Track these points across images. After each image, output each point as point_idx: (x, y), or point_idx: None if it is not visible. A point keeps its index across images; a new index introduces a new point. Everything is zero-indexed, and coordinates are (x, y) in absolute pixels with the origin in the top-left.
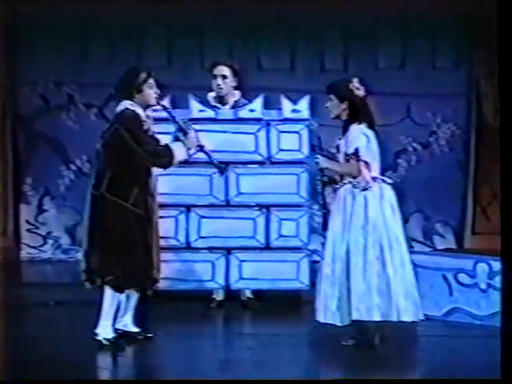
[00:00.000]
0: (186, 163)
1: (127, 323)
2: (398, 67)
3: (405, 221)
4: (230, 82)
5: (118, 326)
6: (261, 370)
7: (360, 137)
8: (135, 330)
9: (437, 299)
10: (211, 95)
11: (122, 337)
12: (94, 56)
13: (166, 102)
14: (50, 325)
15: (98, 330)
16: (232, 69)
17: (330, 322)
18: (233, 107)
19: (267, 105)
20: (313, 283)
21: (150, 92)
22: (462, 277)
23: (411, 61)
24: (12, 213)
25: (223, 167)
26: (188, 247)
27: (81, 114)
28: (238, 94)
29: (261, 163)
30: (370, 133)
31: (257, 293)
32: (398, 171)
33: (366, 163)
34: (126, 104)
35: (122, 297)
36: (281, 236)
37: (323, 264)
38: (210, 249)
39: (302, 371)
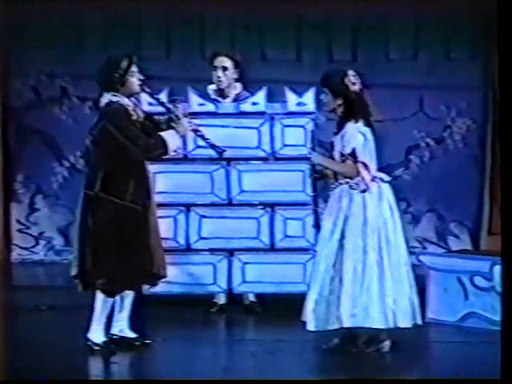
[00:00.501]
0: (185, 160)
1: (123, 328)
2: (410, 58)
3: (417, 220)
4: (231, 73)
5: (114, 331)
6: (264, 377)
7: (357, 136)
8: (132, 335)
9: (451, 303)
10: (211, 88)
11: (118, 343)
12: (88, 46)
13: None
14: (42, 330)
15: (89, 335)
16: (233, 60)
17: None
18: (234, 100)
19: (271, 98)
20: None
21: (133, 80)
22: (478, 280)
23: (424, 51)
24: (2, 212)
25: (221, 149)
26: (188, 249)
27: (75, 107)
28: (239, 86)
29: (264, 159)
30: (367, 130)
31: (260, 297)
32: (409, 168)
33: (365, 164)
34: (109, 97)
35: (117, 298)
36: (286, 236)
37: (314, 264)
38: (212, 250)
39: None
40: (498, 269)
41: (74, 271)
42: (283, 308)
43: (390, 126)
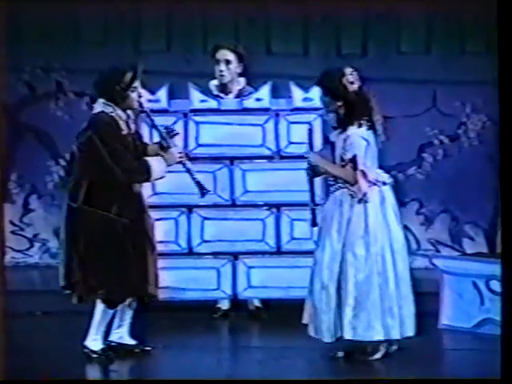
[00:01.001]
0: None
1: (123, 335)
2: (422, 52)
3: (430, 222)
4: (235, 67)
5: (113, 338)
6: None
7: (360, 142)
8: (131, 342)
9: (466, 309)
10: (213, 83)
11: (116, 350)
12: (85, 38)
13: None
14: (37, 337)
15: (87, 342)
16: (236, 53)
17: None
18: (237, 96)
19: (276, 93)
20: None
21: (133, 96)
22: (495, 284)
23: (437, 44)
24: None
25: (206, 190)
26: (190, 253)
27: (71, 103)
28: (243, 81)
29: (269, 158)
30: (370, 134)
31: (266, 302)
32: (422, 166)
33: (364, 173)
34: (102, 105)
35: (118, 308)
36: (293, 239)
37: (315, 273)
38: (215, 254)
39: None
40: None
41: (62, 284)
42: (290, 314)
43: (402, 122)
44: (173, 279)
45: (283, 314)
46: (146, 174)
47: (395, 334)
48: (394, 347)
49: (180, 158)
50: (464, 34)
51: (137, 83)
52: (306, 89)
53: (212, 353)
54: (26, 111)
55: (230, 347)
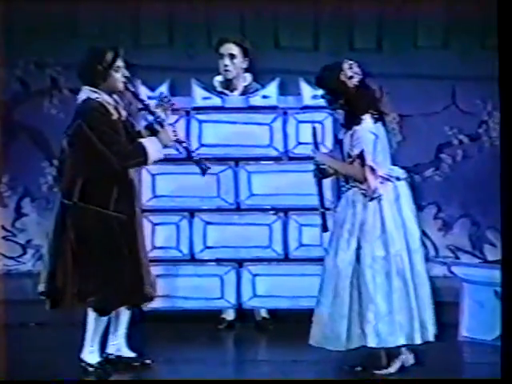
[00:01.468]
0: (188, 160)
1: (120, 347)
2: (440, 46)
3: (449, 227)
4: (240, 62)
5: (111, 350)
6: None
7: (367, 136)
8: (130, 355)
9: (488, 320)
10: (217, 80)
11: (114, 363)
12: (82, 32)
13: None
14: (30, 349)
15: (83, 355)
16: (242, 47)
17: (322, 347)
18: (243, 93)
19: (284, 90)
20: None
21: (117, 76)
22: None
23: (456, 37)
24: None
25: (207, 167)
26: (192, 259)
27: (66, 100)
28: (248, 77)
29: (276, 159)
30: (379, 126)
31: (273, 312)
32: (440, 168)
33: (372, 169)
34: (87, 92)
35: (111, 315)
36: (301, 245)
37: (325, 278)
38: (218, 261)
39: None
40: None
41: (41, 287)
42: (299, 325)
43: (419, 121)
44: (174, 287)
45: (291, 326)
46: (141, 156)
47: (417, 338)
48: (411, 361)
49: (175, 136)
50: (484, 27)
51: (120, 63)
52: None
53: (216, 367)
54: (19, 109)
55: (235, 361)
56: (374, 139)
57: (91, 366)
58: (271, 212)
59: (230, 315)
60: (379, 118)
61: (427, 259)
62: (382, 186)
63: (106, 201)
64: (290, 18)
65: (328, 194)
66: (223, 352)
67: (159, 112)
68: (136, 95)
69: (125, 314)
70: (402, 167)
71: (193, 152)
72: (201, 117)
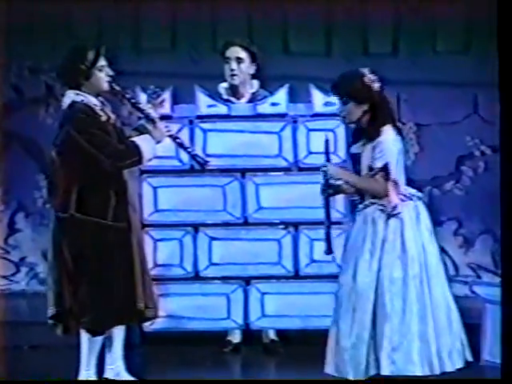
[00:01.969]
0: (191, 171)
1: (120, 371)
2: (460, 50)
3: (470, 244)
4: (247, 67)
5: (109, 375)
6: None
7: (392, 149)
8: (130, 379)
9: None
10: (223, 86)
11: None
12: (79, 36)
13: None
14: (23, 373)
15: (80, 379)
16: (249, 51)
17: (339, 376)
18: (250, 101)
19: (293, 97)
20: None
21: (101, 76)
22: None
23: (477, 42)
24: None
25: (205, 160)
26: (196, 277)
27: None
28: (256, 84)
29: (286, 170)
30: (399, 140)
31: (282, 334)
32: (461, 181)
33: (396, 183)
34: (72, 96)
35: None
36: (313, 261)
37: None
38: (224, 279)
39: None
40: None
41: (52, 312)
42: (310, 347)
43: (438, 130)
44: (177, 307)
45: (302, 348)
46: (135, 155)
47: (436, 369)
48: None
49: (168, 131)
50: None
51: (103, 62)
52: (327, 92)
53: None
54: (12, 118)
55: None
56: (398, 152)
57: None
58: (280, 226)
59: (236, 337)
60: (399, 130)
61: (450, 280)
62: (403, 204)
63: (105, 209)
64: (300, 21)
65: (340, 206)
66: (229, 376)
67: (150, 109)
68: (123, 94)
69: (119, 335)
70: (420, 180)
71: (188, 148)
72: (205, 126)
